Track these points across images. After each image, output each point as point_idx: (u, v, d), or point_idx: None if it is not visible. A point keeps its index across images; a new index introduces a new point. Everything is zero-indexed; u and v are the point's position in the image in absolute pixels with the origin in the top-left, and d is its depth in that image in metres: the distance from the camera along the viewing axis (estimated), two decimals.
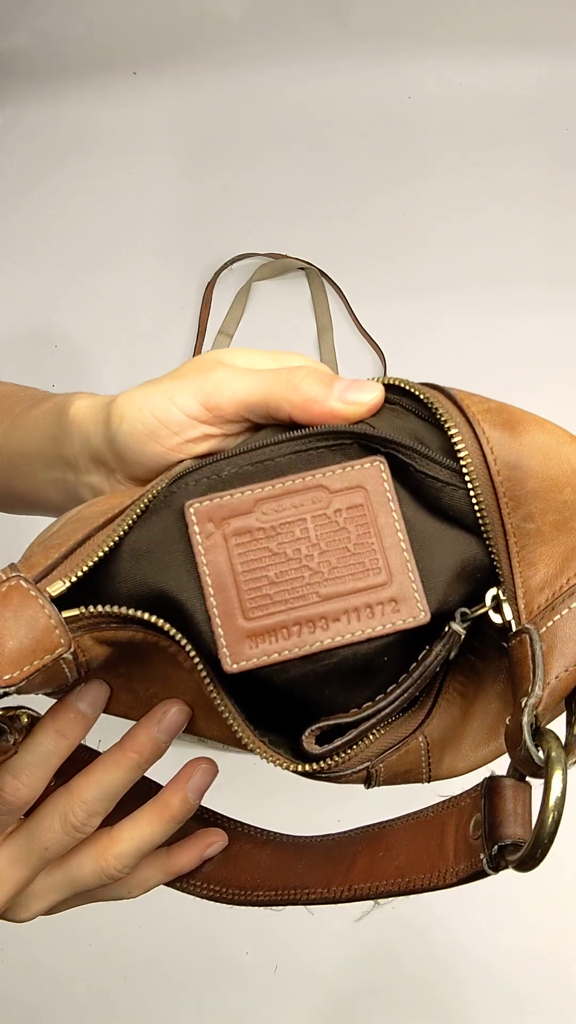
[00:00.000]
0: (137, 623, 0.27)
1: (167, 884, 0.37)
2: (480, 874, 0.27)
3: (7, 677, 0.24)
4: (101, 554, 0.26)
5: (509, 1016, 0.77)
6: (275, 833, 0.37)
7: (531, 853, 0.25)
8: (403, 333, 1.04)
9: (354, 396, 0.29)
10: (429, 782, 0.30)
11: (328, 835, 0.35)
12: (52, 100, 1.23)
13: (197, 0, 1.16)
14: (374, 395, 0.29)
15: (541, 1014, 0.77)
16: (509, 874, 0.76)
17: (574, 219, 1.10)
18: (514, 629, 0.26)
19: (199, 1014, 0.78)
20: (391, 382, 0.29)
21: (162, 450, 0.30)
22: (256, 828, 0.37)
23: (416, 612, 0.26)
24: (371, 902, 0.33)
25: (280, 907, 0.37)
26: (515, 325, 1.04)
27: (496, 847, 0.25)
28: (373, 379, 0.30)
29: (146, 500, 0.27)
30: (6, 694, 0.24)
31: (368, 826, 0.34)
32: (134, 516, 0.27)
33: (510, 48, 1.18)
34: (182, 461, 0.30)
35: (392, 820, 0.33)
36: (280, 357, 0.34)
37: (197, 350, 1.05)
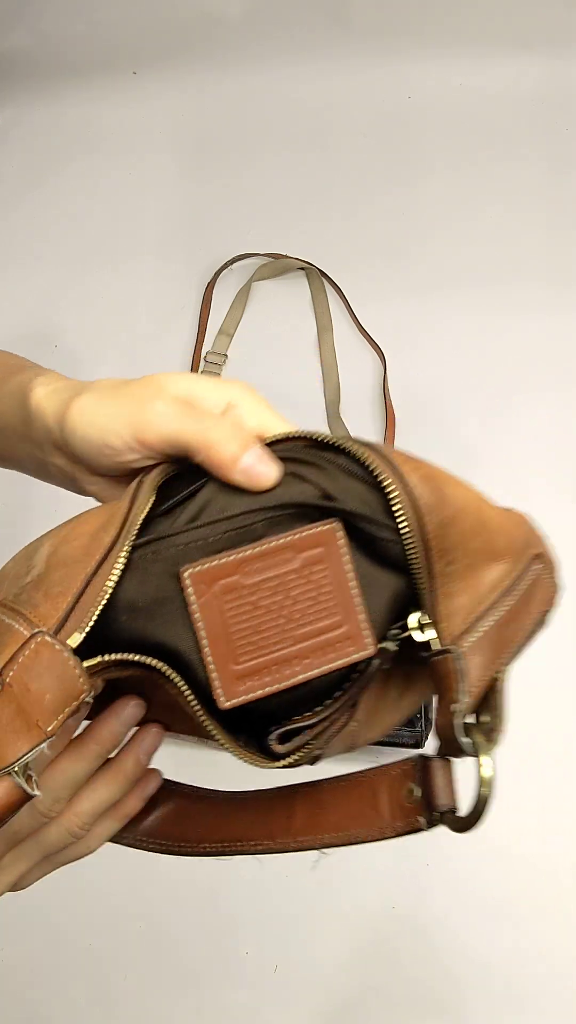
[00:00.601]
0: (144, 667, 0.32)
1: (124, 843, 0.42)
2: (416, 831, 0.35)
3: (49, 728, 0.28)
4: (101, 606, 0.30)
5: (509, 1016, 0.77)
6: (214, 791, 0.42)
7: (473, 820, 0.32)
8: (403, 333, 1.04)
9: (256, 472, 0.33)
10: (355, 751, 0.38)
11: (262, 790, 0.40)
12: (52, 100, 1.23)
13: (197, 0, 1.16)
14: (274, 477, 0.33)
15: (541, 1014, 0.77)
16: (509, 875, 0.77)
17: (574, 219, 1.10)
18: (439, 648, 0.32)
19: (199, 1014, 0.79)
20: (334, 442, 0.33)
21: (110, 463, 0.35)
22: (196, 787, 0.42)
23: (365, 646, 0.33)
24: (317, 852, 0.39)
25: (229, 857, 0.43)
26: (515, 325, 1.04)
27: (435, 813, 0.34)
28: (298, 433, 0.34)
29: (126, 549, 0.31)
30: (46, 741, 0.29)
31: (299, 784, 0.39)
32: (120, 567, 0.31)
33: (510, 48, 1.18)
34: (142, 481, 0.34)
35: (321, 780, 0.39)
36: (220, 388, 0.36)
37: (197, 350, 1.05)
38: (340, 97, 1.20)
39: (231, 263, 1.09)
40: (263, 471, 0.33)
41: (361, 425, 0.99)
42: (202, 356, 1.04)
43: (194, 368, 1.03)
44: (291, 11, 1.17)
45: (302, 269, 1.08)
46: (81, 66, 1.22)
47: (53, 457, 0.38)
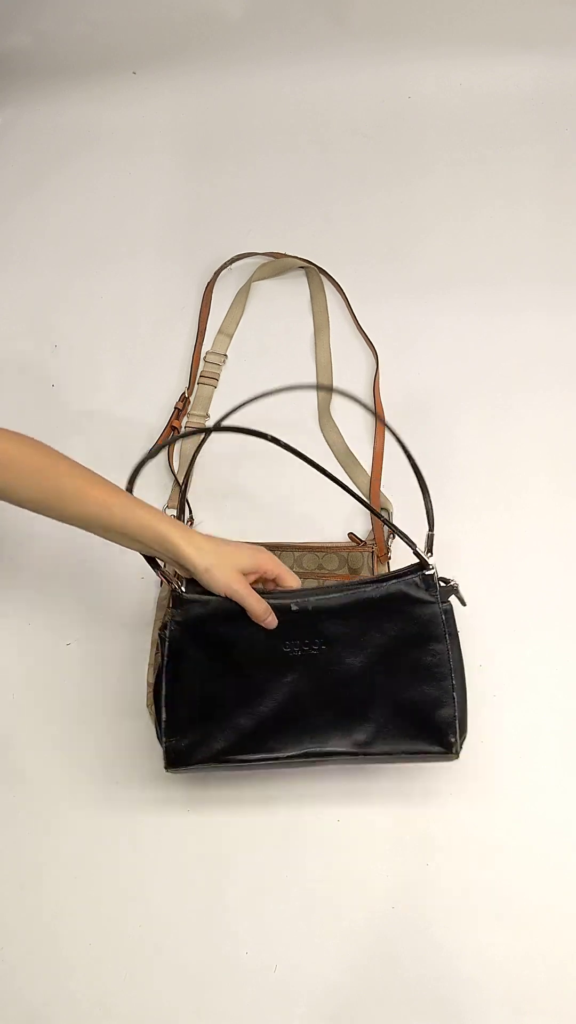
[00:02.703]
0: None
1: None
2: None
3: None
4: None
5: (509, 1016, 0.77)
6: None
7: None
8: (403, 332, 1.04)
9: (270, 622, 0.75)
10: None
11: None
12: (52, 100, 1.23)
13: (197, 0, 1.16)
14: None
15: (541, 1014, 0.77)
16: (508, 875, 0.77)
17: (574, 219, 1.10)
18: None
19: (199, 1014, 0.79)
20: None
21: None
22: None
23: None
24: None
25: None
26: (515, 325, 1.04)
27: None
28: None
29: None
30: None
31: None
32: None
33: (510, 48, 1.18)
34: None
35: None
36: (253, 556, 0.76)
37: (197, 350, 1.05)
38: (340, 97, 1.20)
39: (231, 263, 1.09)
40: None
41: (351, 424, 0.99)
42: (201, 356, 1.04)
43: (194, 367, 1.03)
44: (291, 11, 1.17)
45: (302, 268, 1.08)
46: (81, 66, 1.22)
47: (167, 567, 0.75)
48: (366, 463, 0.97)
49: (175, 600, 0.75)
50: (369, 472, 0.96)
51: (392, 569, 0.86)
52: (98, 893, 0.82)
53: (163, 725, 0.75)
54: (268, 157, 1.18)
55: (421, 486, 0.71)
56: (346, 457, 0.97)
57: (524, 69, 1.18)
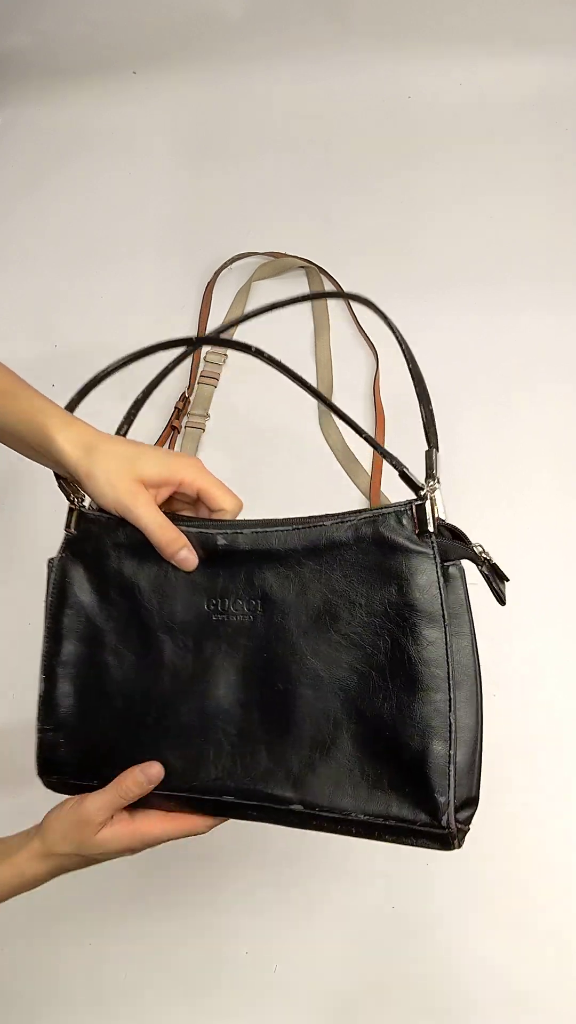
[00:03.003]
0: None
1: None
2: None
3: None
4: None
5: (509, 1016, 0.77)
6: None
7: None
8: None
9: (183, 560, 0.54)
10: None
11: None
12: (52, 100, 1.23)
13: (197, 0, 1.16)
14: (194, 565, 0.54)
15: (540, 1014, 0.77)
16: (508, 875, 0.76)
17: (573, 218, 1.10)
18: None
19: (199, 1014, 0.79)
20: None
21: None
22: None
23: None
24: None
25: None
26: (515, 324, 1.04)
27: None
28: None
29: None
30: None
31: None
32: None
33: (510, 48, 1.18)
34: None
35: None
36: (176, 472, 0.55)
37: (197, 349, 1.05)
38: (340, 97, 1.20)
39: (231, 262, 1.09)
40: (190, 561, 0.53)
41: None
42: (202, 356, 1.04)
43: (194, 367, 1.03)
44: (291, 11, 1.17)
45: (302, 268, 1.08)
46: (81, 66, 1.22)
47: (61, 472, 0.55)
48: (366, 463, 0.97)
49: (69, 521, 0.56)
50: (369, 472, 0.96)
51: None
52: (98, 892, 0.82)
53: (39, 702, 0.54)
54: (268, 157, 1.18)
55: (419, 392, 0.55)
56: (346, 457, 0.97)
57: (524, 69, 1.18)
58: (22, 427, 0.53)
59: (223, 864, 0.83)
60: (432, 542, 0.47)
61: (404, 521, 0.48)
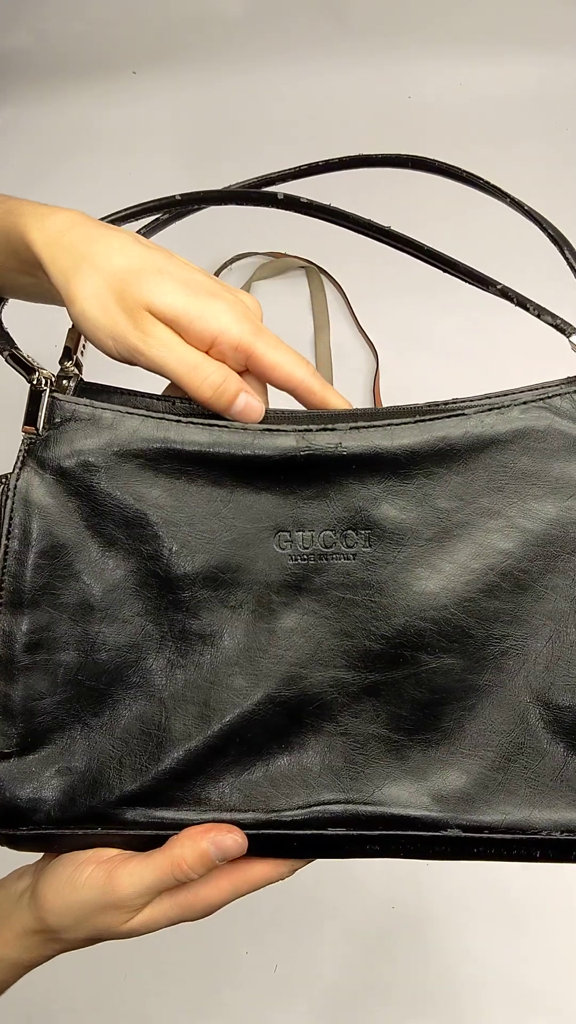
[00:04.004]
0: None
1: None
2: None
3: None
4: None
5: (509, 1016, 0.77)
6: None
7: None
8: (402, 332, 1.04)
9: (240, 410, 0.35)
10: None
11: None
12: (52, 100, 1.23)
13: (197, 0, 1.16)
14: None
15: (540, 1014, 0.77)
16: (508, 875, 0.76)
17: (574, 219, 1.10)
18: None
19: (199, 1014, 0.78)
20: None
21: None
22: None
23: None
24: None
25: None
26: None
27: None
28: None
29: None
30: None
31: None
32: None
33: (510, 48, 1.18)
34: None
35: None
36: (208, 319, 0.35)
37: None
38: (340, 96, 1.20)
39: (231, 262, 1.09)
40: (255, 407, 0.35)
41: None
42: None
43: None
44: (291, 11, 1.17)
45: (302, 268, 1.08)
46: (81, 66, 1.22)
47: (44, 289, 0.38)
48: None
49: (32, 413, 0.37)
50: None
51: None
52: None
53: None
54: (267, 156, 1.17)
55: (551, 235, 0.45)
56: None
57: (524, 69, 1.18)
58: None
59: None
60: None
61: (570, 407, 0.36)
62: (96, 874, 0.35)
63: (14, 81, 1.24)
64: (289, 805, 0.34)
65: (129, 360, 0.35)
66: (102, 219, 0.42)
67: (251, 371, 0.36)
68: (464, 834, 0.35)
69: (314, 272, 1.08)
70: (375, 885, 0.81)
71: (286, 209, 0.43)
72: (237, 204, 0.46)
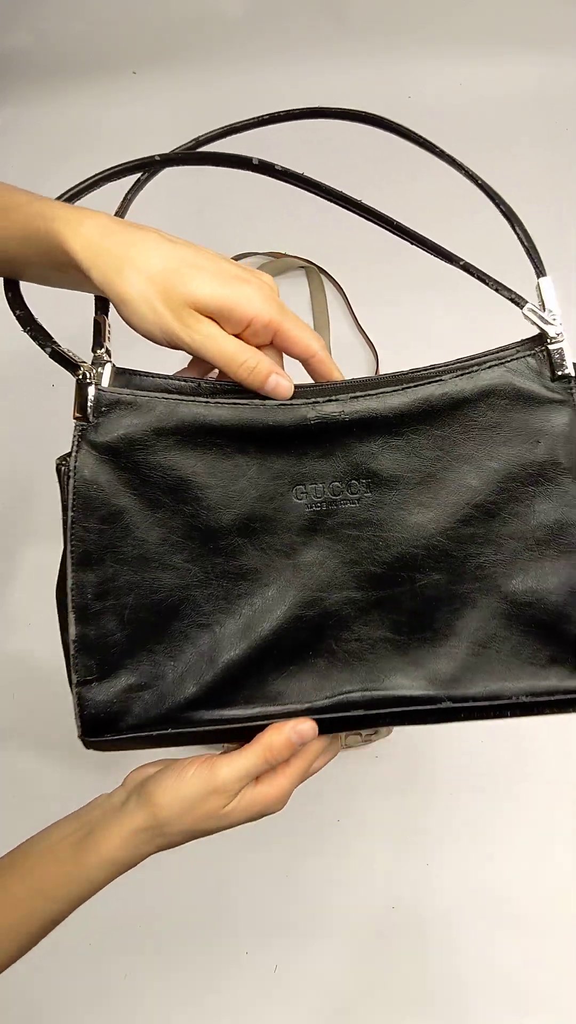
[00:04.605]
0: None
1: None
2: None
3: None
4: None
5: (509, 1016, 0.77)
6: None
7: None
8: (402, 332, 1.04)
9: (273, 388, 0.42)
10: None
11: None
12: (52, 100, 1.23)
13: (197, 0, 1.16)
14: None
15: (540, 1014, 0.77)
16: (508, 875, 0.76)
17: (573, 219, 1.10)
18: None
19: (199, 1014, 0.78)
20: None
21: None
22: None
23: None
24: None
25: None
26: (516, 324, 1.03)
27: None
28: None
29: None
30: None
31: None
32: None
33: (510, 48, 1.18)
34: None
35: None
36: (244, 307, 0.42)
37: None
38: (339, 96, 1.20)
39: None
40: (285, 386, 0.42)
41: None
42: None
43: None
44: (291, 10, 1.17)
45: (302, 268, 1.08)
46: (81, 66, 1.22)
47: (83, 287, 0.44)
48: None
49: (82, 403, 0.45)
50: None
51: None
52: (97, 892, 0.82)
53: (72, 651, 0.43)
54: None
55: (505, 213, 0.53)
56: None
57: (524, 69, 1.18)
58: (28, 247, 0.42)
59: (223, 864, 0.83)
60: (572, 388, 0.44)
61: (536, 366, 0.45)
62: (200, 769, 0.42)
63: (14, 81, 1.24)
64: (319, 696, 0.44)
65: (173, 346, 0.42)
66: (86, 178, 0.50)
67: (275, 344, 0.45)
68: (454, 704, 0.44)
69: (314, 272, 1.08)
70: (375, 886, 0.81)
71: (260, 173, 0.50)
72: (215, 165, 0.54)
